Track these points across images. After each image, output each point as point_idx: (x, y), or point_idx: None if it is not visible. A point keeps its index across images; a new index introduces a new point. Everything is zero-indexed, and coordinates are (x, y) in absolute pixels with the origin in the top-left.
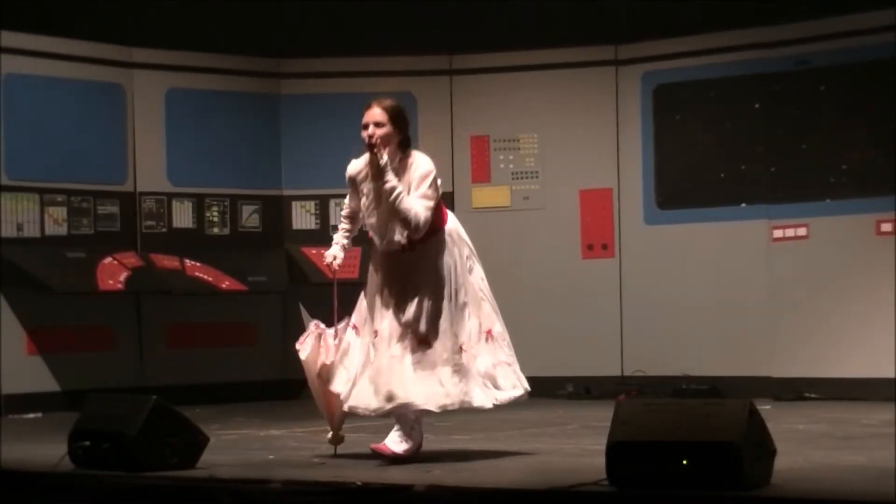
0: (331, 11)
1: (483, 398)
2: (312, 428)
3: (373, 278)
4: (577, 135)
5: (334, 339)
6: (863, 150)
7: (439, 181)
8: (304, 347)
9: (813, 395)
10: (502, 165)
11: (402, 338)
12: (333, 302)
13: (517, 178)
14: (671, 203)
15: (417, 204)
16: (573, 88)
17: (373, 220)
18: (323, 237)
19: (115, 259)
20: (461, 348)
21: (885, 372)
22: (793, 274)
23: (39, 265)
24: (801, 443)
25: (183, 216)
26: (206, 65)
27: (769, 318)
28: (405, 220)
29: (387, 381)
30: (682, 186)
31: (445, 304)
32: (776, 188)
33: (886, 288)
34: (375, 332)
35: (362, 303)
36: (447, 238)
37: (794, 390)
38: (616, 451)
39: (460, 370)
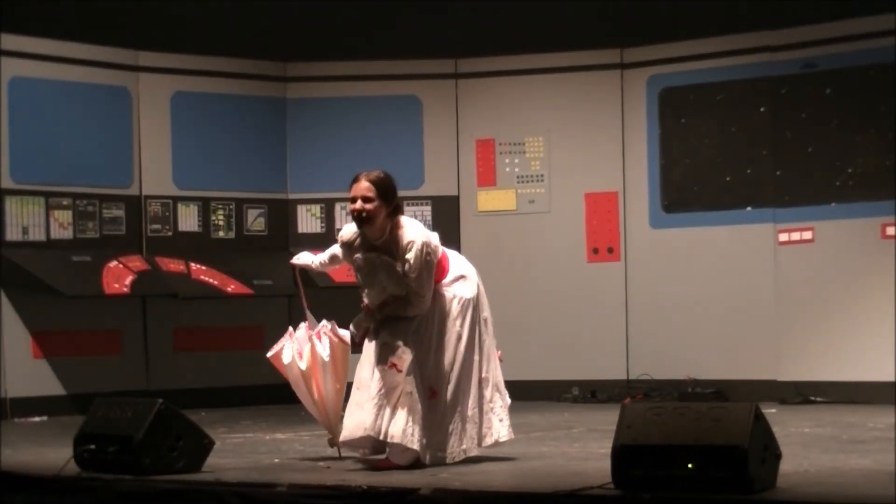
0: (337, 15)
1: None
2: (318, 432)
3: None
4: (582, 138)
5: (309, 341)
6: (869, 153)
7: (433, 244)
8: (285, 355)
9: (819, 399)
10: (508, 169)
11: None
12: (302, 299)
13: (523, 182)
14: (677, 206)
15: (421, 301)
16: (579, 92)
17: (366, 289)
18: (329, 240)
19: (120, 262)
20: (434, 394)
21: (892, 375)
22: (798, 277)
23: (45, 269)
24: (806, 446)
25: (189, 219)
26: (212, 68)
27: (775, 321)
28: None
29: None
30: (687, 190)
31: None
32: (782, 191)
33: (892, 291)
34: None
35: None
36: (444, 294)
37: (800, 394)
38: (621, 454)
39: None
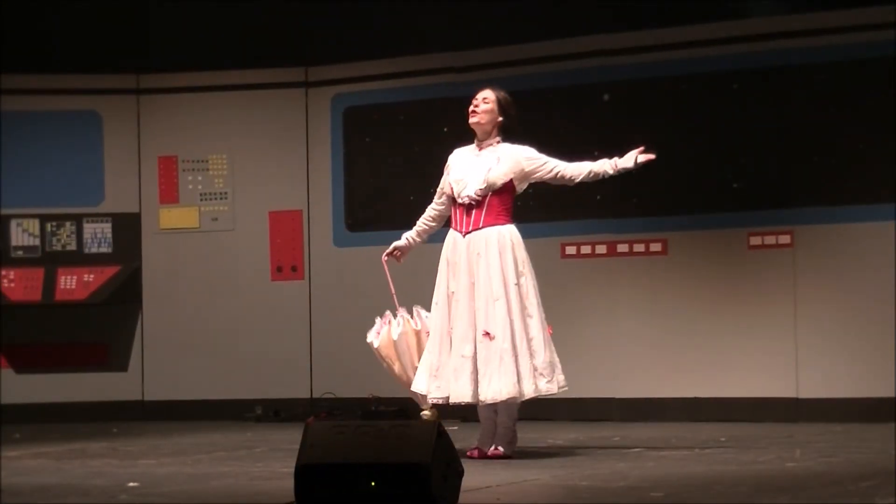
0: (10, 26)
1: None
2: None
3: (443, 274)
4: (267, 156)
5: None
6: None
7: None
8: (381, 337)
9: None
10: (191, 186)
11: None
12: (390, 287)
13: (206, 200)
14: (361, 225)
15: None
16: (263, 110)
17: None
18: (5, 258)
19: None
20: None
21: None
22: None
23: None
24: (487, 463)
25: None
26: None
27: None
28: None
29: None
30: (372, 209)
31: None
32: None
33: (623, 306)
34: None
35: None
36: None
37: None
38: (305, 473)
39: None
